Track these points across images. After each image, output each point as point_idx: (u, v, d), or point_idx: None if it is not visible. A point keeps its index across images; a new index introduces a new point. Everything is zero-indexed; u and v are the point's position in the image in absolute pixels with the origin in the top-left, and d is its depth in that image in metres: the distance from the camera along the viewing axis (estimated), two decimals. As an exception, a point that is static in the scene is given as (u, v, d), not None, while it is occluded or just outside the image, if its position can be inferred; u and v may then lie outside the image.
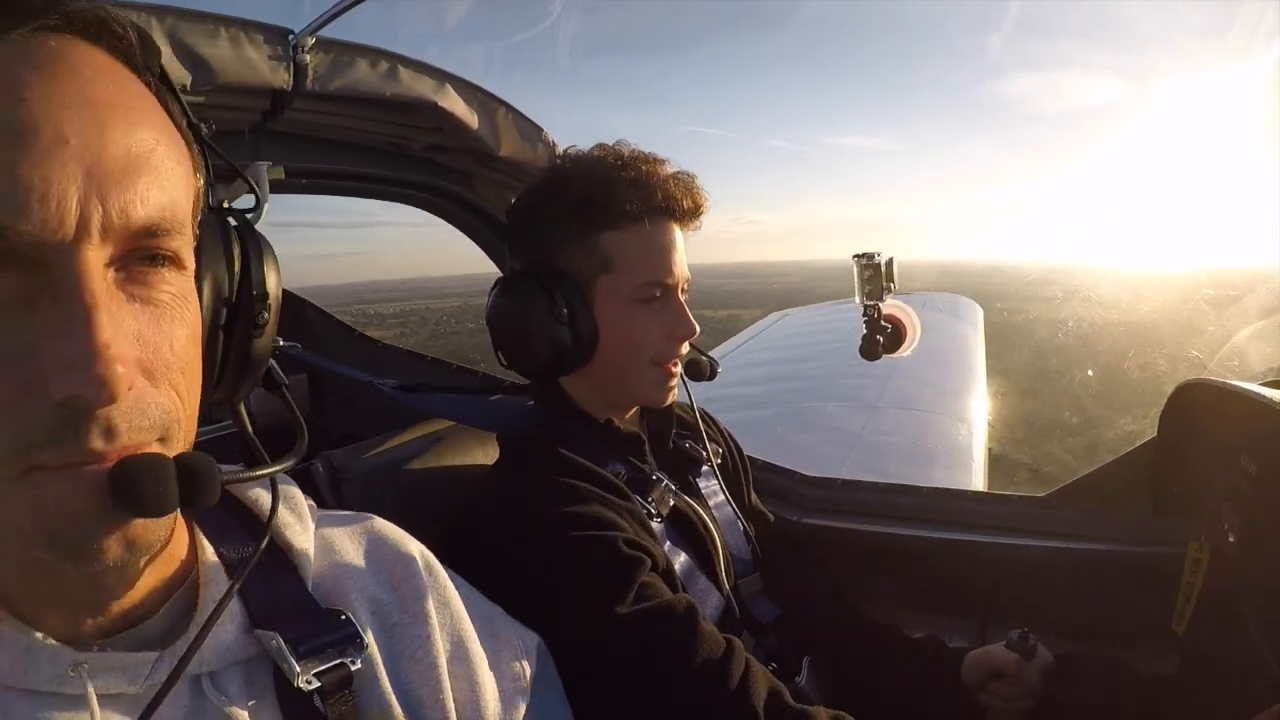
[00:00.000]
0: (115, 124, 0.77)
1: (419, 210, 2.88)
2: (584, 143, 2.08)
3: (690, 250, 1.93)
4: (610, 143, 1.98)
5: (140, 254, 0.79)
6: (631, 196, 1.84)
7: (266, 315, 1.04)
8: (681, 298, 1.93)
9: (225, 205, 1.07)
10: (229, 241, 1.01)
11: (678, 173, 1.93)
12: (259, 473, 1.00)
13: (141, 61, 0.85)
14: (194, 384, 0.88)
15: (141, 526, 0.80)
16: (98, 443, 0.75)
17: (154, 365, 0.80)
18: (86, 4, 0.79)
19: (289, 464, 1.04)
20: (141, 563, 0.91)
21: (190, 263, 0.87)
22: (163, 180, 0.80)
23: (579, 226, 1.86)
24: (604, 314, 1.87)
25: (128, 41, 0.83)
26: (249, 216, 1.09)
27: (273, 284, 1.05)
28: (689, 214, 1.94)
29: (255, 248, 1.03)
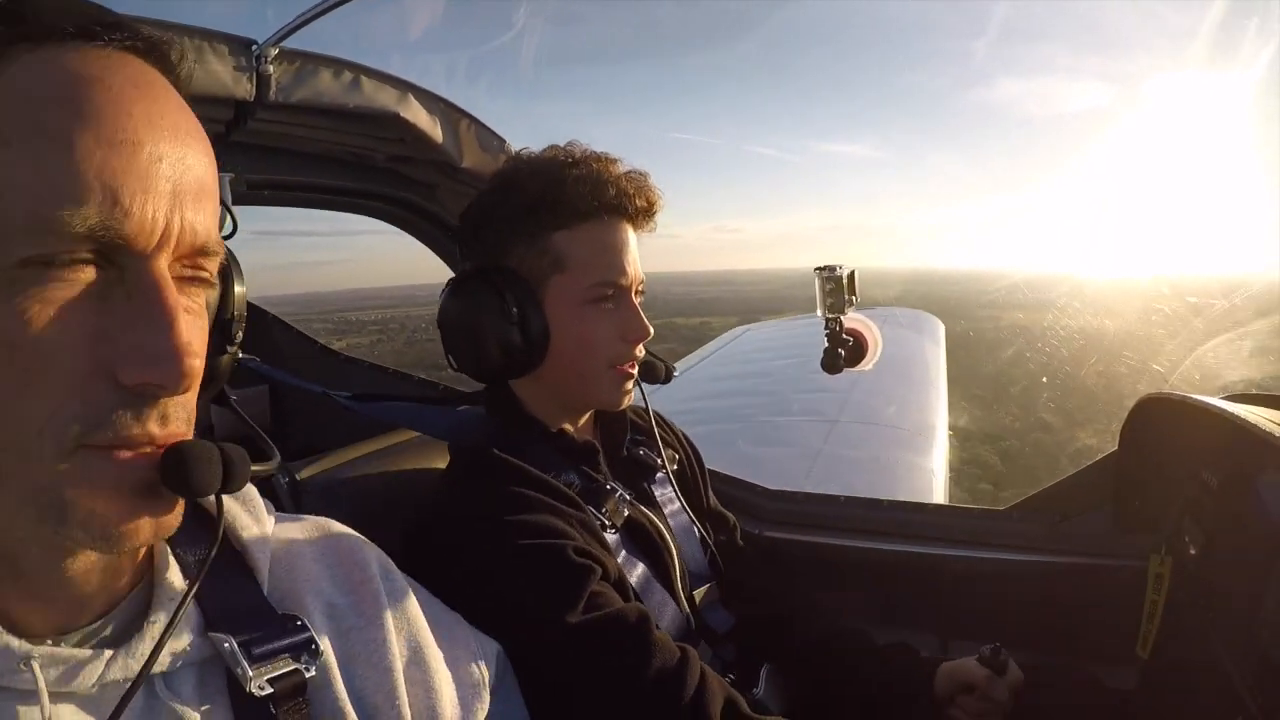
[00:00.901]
0: (193, 151, 0.86)
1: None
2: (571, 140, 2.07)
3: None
4: (571, 142, 1.97)
5: (189, 266, 0.87)
6: (583, 194, 1.83)
7: (239, 335, 1.13)
8: (636, 299, 1.92)
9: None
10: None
11: (630, 171, 1.92)
12: (265, 466, 1.09)
13: (185, 93, 0.92)
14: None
15: (175, 511, 0.88)
16: (154, 427, 0.83)
17: (200, 369, 0.86)
18: (161, 35, 0.88)
19: (275, 462, 1.12)
20: (117, 555, 0.93)
21: (215, 282, 0.95)
22: (214, 206, 0.90)
23: (530, 226, 1.85)
24: (556, 315, 1.85)
25: (185, 77, 0.92)
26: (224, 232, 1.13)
27: (242, 305, 1.14)
28: (642, 213, 1.92)
29: (237, 271, 1.12)
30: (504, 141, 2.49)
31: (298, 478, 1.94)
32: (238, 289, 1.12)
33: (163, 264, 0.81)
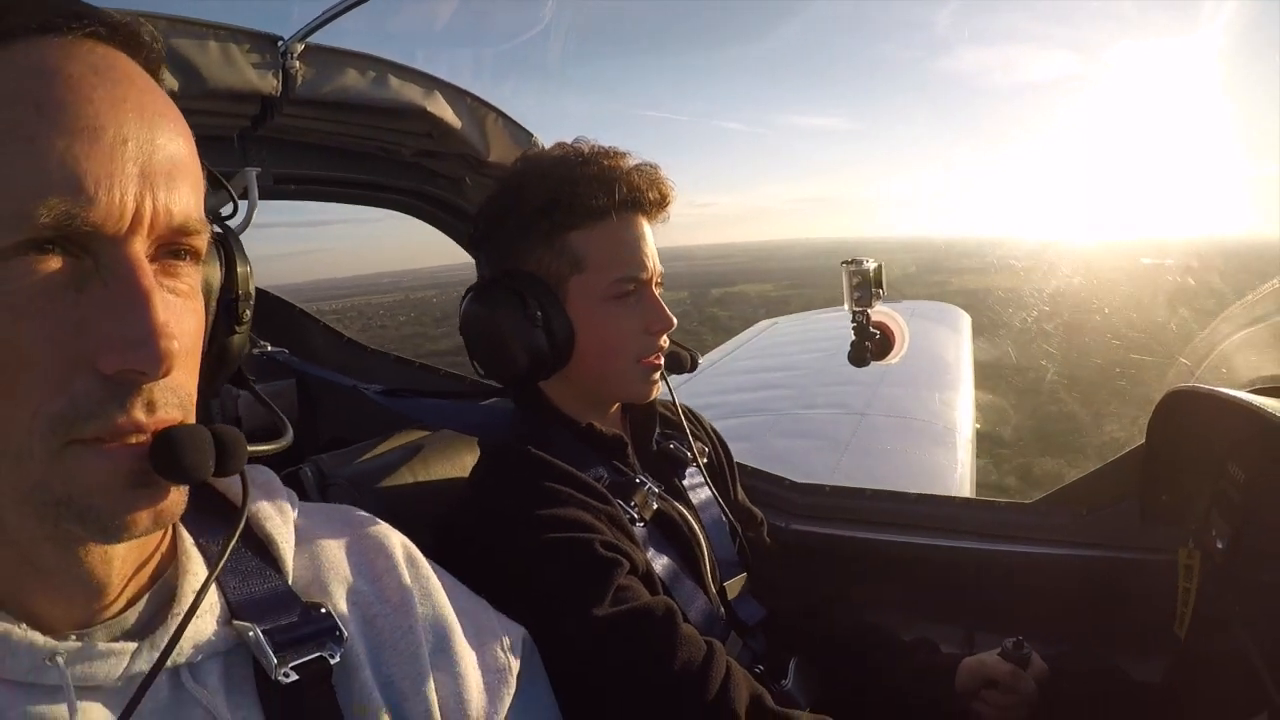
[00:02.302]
0: (163, 131, 0.85)
1: (369, 209, 2.88)
2: (539, 130, 2.06)
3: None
4: (570, 138, 1.97)
5: (170, 248, 0.86)
6: (596, 193, 1.82)
7: (247, 314, 1.12)
8: (656, 291, 1.91)
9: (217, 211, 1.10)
10: (217, 245, 1.08)
11: (640, 164, 1.91)
12: (268, 447, 1.08)
13: (161, 76, 0.93)
14: (197, 372, 0.93)
15: (171, 497, 0.86)
16: (140, 415, 0.81)
17: (179, 350, 0.84)
18: (128, 19, 0.87)
19: (284, 443, 1.11)
20: (136, 546, 0.94)
21: (203, 259, 0.93)
22: (193, 184, 0.88)
23: (545, 228, 1.84)
24: (579, 314, 1.85)
25: (156, 57, 0.91)
26: (237, 222, 1.13)
27: (251, 286, 1.12)
28: (656, 205, 1.92)
29: (239, 251, 1.11)
30: (531, 135, 2.50)
31: (325, 471, 1.95)
32: (241, 269, 1.11)
33: (137, 247, 0.81)
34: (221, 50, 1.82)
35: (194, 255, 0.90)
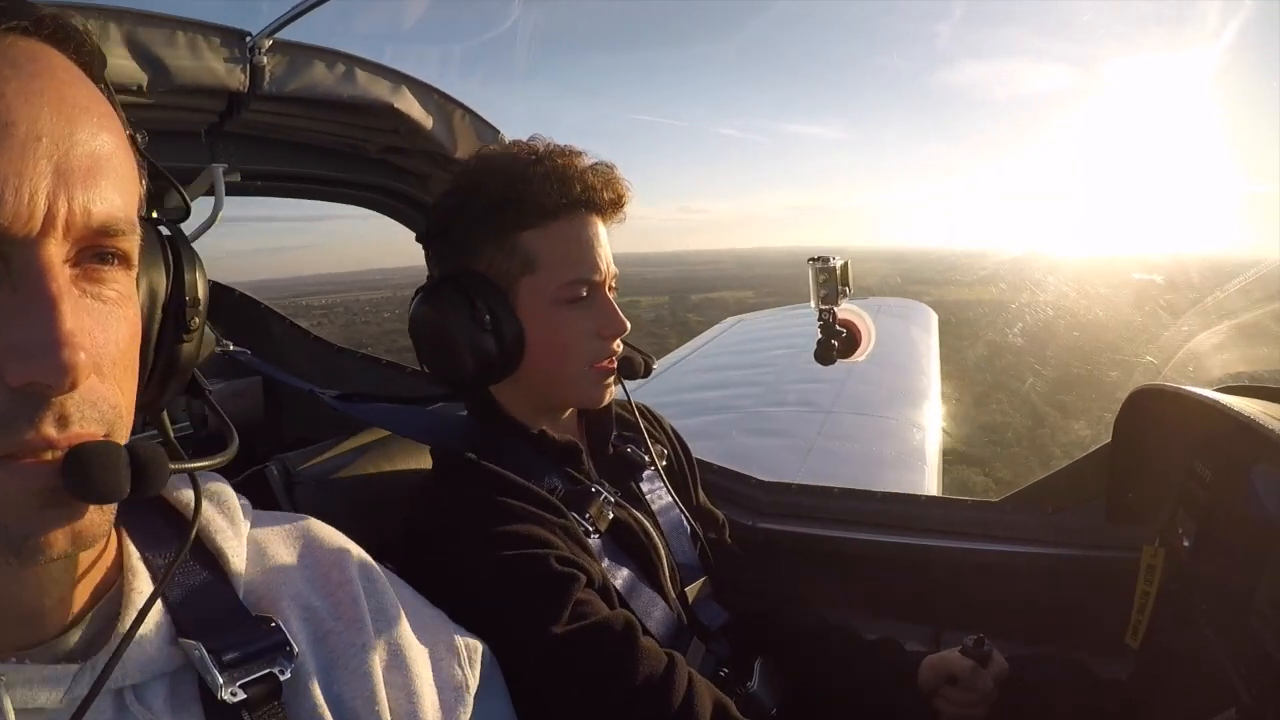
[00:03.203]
0: (83, 126, 0.80)
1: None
2: (522, 132, 2.03)
3: (625, 238, 1.89)
4: (534, 137, 1.93)
5: (94, 251, 0.82)
6: (549, 191, 1.78)
7: (196, 321, 1.05)
8: (610, 294, 1.88)
9: (154, 214, 1.06)
10: (163, 248, 1.03)
11: (596, 164, 1.88)
12: (200, 464, 1.00)
13: (98, 71, 0.89)
14: (133, 383, 0.89)
15: (88, 517, 0.82)
16: (50, 430, 0.77)
17: (102, 360, 0.82)
18: (55, 11, 0.83)
19: (223, 459, 1.04)
20: (74, 565, 0.91)
21: (135, 264, 0.89)
22: (120, 183, 0.83)
23: (496, 227, 1.80)
24: (529, 317, 1.81)
25: (88, 49, 0.87)
26: (202, 220, 1.10)
27: (202, 290, 1.06)
28: (611, 206, 1.88)
29: (187, 254, 1.05)
30: (498, 132, 2.49)
31: (290, 469, 1.94)
32: (190, 274, 1.05)
33: (50, 250, 0.76)
34: (189, 45, 1.81)
35: (122, 259, 0.86)
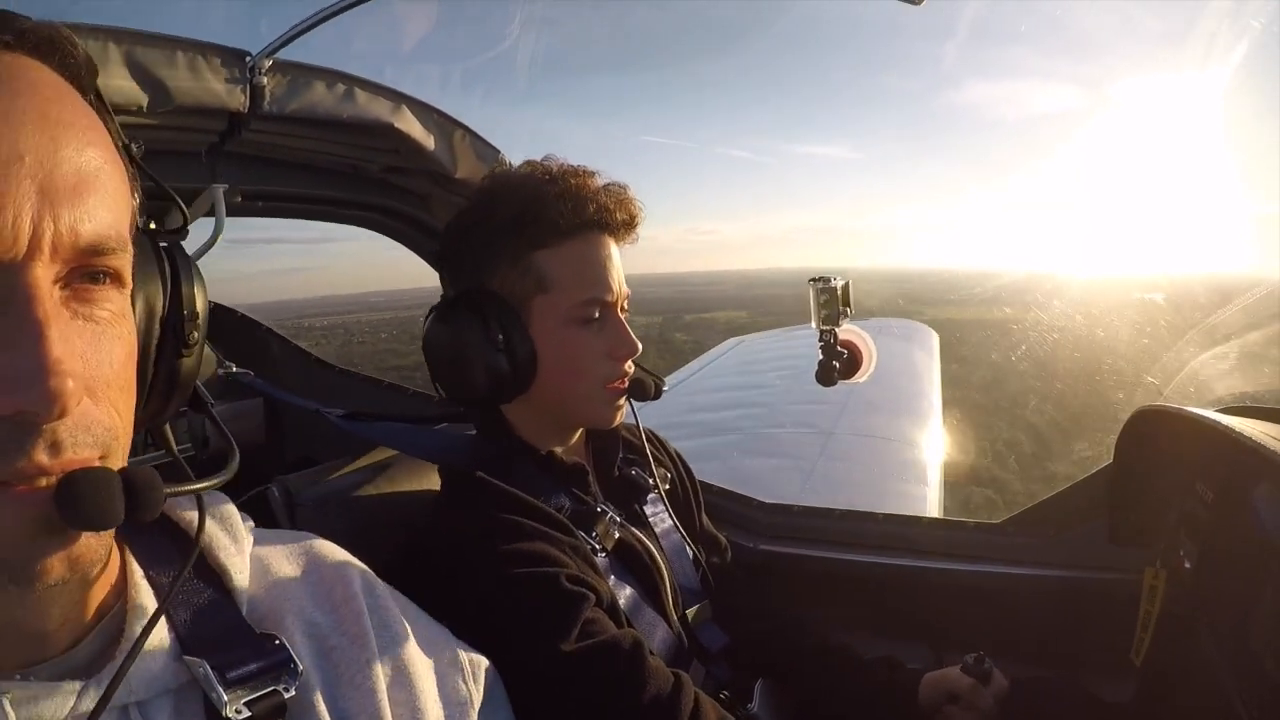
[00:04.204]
0: (68, 142, 0.78)
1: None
2: (529, 155, 2.04)
3: (630, 259, 1.90)
4: (547, 157, 1.94)
5: (84, 271, 0.80)
6: (563, 211, 1.79)
7: (195, 335, 1.04)
8: (621, 315, 1.89)
9: (153, 226, 1.05)
10: (160, 262, 1.01)
11: (610, 184, 1.89)
12: (200, 485, 0.98)
13: (88, 82, 0.87)
14: (130, 403, 0.88)
15: (84, 543, 0.81)
16: (42, 457, 0.75)
17: (96, 382, 0.80)
18: (39, 23, 0.81)
19: (222, 478, 1.02)
20: (77, 584, 0.90)
21: (129, 282, 0.88)
22: (109, 200, 0.82)
23: (511, 247, 1.81)
24: (542, 336, 1.82)
25: (76, 62, 0.85)
26: (203, 239, 1.09)
27: (201, 305, 1.05)
28: (624, 226, 1.89)
29: (186, 269, 1.04)
30: (498, 152, 2.49)
31: (292, 491, 1.93)
32: (188, 288, 1.03)
33: (37, 274, 0.75)
34: (189, 65, 1.81)
35: (115, 277, 0.84)
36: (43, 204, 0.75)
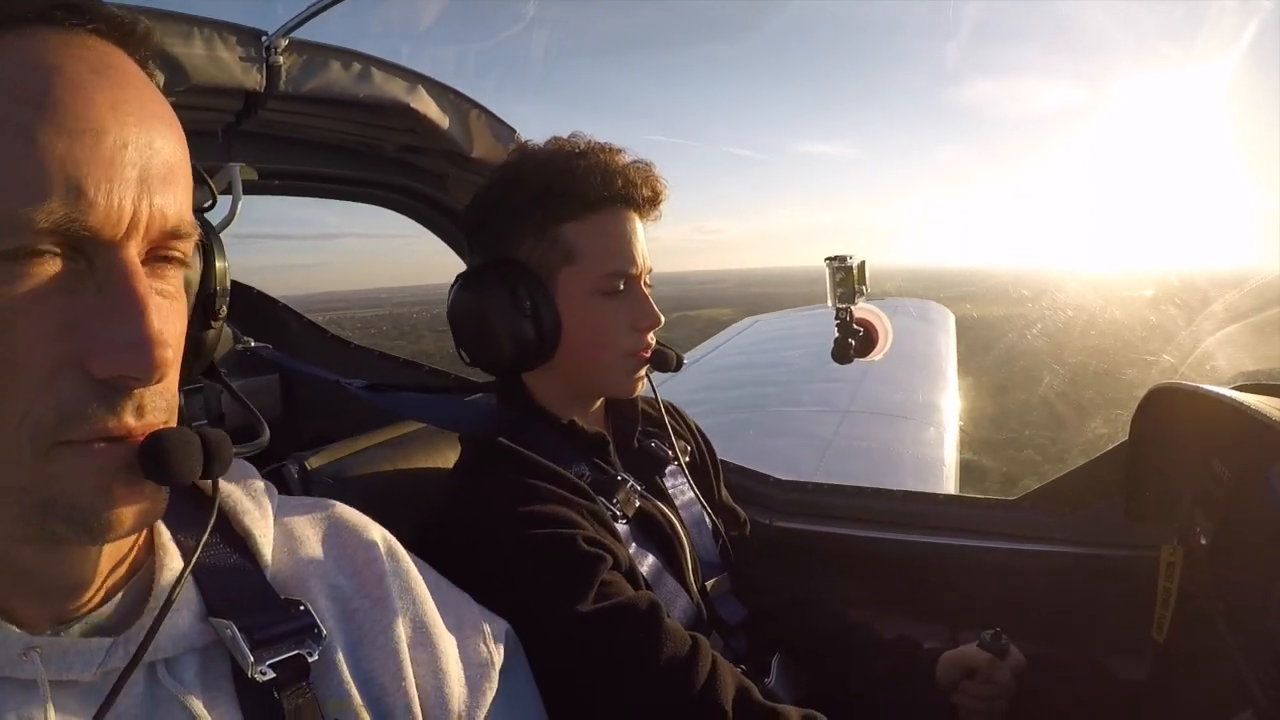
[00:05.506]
0: (160, 133, 0.84)
1: (378, 224, 2.88)
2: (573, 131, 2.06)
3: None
4: (574, 134, 1.96)
5: (160, 251, 0.86)
6: (591, 185, 1.81)
7: (224, 310, 1.13)
8: (645, 288, 1.91)
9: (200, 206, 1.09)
10: (200, 240, 1.05)
11: (636, 161, 1.91)
12: (250, 447, 1.09)
13: (151, 69, 0.92)
14: (178, 373, 0.93)
15: (154, 499, 0.86)
16: (130, 419, 0.82)
17: (173, 357, 0.85)
18: (123, 11, 0.86)
19: (257, 446, 1.13)
20: (120, 541, 0.93)
21: (189, 262, 0.93)
22: (186, 186, 0.88)
23: (539, 218, 1.83)
24: (567, 307, 1.84)
25: (150, 52, 0.91)
26: (220, 217, 1.12)
27: (227, 280, 1.14)
28: (648, 202, 1.92)
29: (217, 245, 1.12)
30: (514, 131, 2.50)
31: (308, 467, 1.94)
32: (219, 264, 1.12)
33: (132, 252, 0.81)
34: (206, 45, 1.81)
35: (181, 257, 0.89)
36: (141, 190, 0.80)
